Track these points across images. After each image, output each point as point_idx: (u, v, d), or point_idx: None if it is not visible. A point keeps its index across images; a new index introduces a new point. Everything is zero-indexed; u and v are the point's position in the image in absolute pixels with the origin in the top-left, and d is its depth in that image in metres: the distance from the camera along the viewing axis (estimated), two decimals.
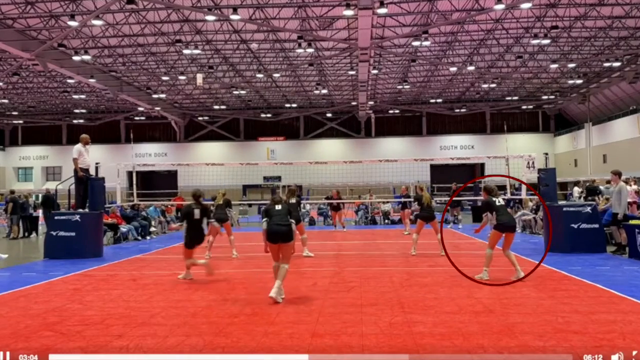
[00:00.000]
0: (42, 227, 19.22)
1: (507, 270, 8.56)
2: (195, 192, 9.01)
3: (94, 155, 15.96)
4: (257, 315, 6.29)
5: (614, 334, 5.25)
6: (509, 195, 15.42)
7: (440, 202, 25.53)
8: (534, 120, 54.47)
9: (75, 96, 44.75)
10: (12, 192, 20.65)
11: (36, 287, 8.57)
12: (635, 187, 16.05)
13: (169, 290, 8.15)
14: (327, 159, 37.82)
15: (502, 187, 17.05)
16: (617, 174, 11.67)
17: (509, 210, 9.20)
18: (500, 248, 8.45)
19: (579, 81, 41.04)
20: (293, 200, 11.79)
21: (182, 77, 36.67)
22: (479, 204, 25.29)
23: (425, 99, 50.62)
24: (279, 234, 7.03)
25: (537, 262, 10.02)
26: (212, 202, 12.23)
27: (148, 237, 17.54)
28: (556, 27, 27.43)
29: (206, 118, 55.05)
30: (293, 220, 7.27)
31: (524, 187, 14.19)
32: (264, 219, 7.23)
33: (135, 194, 17.08)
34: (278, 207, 7.29)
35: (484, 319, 5.95)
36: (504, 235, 8.20)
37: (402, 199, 19.51)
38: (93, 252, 12.43)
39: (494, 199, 8.35)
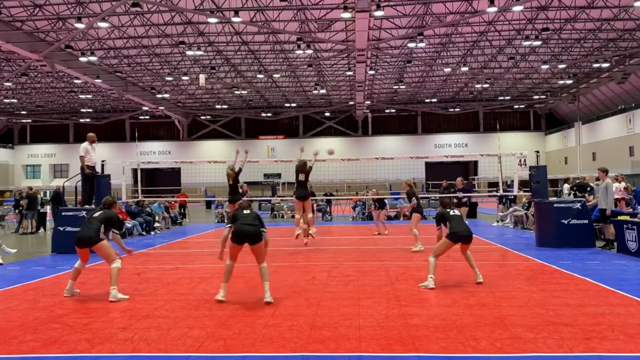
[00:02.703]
0: (49, 222, 19.10)
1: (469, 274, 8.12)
2: (105, 200, 8.08)
3: (100, 153, 16.13)
4: (257, 308, 6.32)
5: (603, 326, 5.30)
6: (501, 192, 15.58)
7: (435, 199, 25.88)
8: (526, 119, 55.35)
9: (81, 96, 45.55)
10: (30, 188, 20.60)
11: (44, 281, 8.58)
12: (623, 184, 16.34)
13: (173, 283, 8.15)
14: (326, 156, 38.44)
15: (495, 184, 16.98)
16: (604, 171, 11.72)
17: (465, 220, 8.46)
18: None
19: (569, 81, 41.95)
20: (302, 178, 11.46)
21: (185, 78, 37.31)
22: (473, 200, 25.93)
23: (421, 99, 51.47)
24: (247, 234, 6.62)
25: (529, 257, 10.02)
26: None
27: (152, 233, 17.48)
28: (547, 29, 28.10)
29: (208, 117, 55.93)
30: (265, 230, 6.84)
31: (515, 183, 14.32)
32: (228, 225, 6.93)
33: (139, 191, 17.10)
34: (246, 211, 6.90)
35: (477, 311, 5.98)
36: (458, 245, 7.70)
37: (376, 198, 17.55)
38: None
39: (448, 210, 7.98)
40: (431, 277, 7.48)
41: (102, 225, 7.32)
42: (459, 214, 7.89)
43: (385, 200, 18.12)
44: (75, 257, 10.97)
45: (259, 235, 6.67)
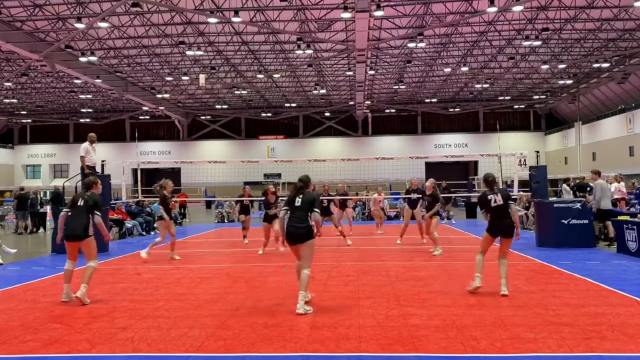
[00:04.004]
0: (49, 222, 19.29)
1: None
2: (87, 180, 7.59)
3: (100, 154, 16.30)
4: (257, 308, 6.33)
5: (603, 326, 5.31)
6: None
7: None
8: (526, 119, 55.29)
9: (82, 96, 45.47)
10: (22, 189, 20.73)
11: (44, 281, 8.63)
12: (622, 183, 16.39)
13: (173, 284, 8.18)
14: (326, 156, 38.32)
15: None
16: (596, 172, 12.17)
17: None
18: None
19: (569, 81, 41.86)
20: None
21: (185, 78, 37.22)
22: (473, 200, 25.94)
23: (421, 99, 51.38)
24: (290, 236, 6.28)
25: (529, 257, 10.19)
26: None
27: (152, 233, 17.55)
28: (547, 29, 28.04)
29: (208, 117, 55.85)
30: (316, 212, 6.15)
31: (515, 183, 14.34)
32: (284, 208, 6.44)
33: (139, 191, 17.14)
34: (298, 200, 6.26)
35: (477, 311, 5.99)
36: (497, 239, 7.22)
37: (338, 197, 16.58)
38: (99, 247, 12.07)
39: (487, 194, 7.18)
40: (478, 276, 7.09)
41: (90, 217, 7.03)
42: (501, 203, 7.05)
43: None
44: None
45: (306, 235, 6.14)
